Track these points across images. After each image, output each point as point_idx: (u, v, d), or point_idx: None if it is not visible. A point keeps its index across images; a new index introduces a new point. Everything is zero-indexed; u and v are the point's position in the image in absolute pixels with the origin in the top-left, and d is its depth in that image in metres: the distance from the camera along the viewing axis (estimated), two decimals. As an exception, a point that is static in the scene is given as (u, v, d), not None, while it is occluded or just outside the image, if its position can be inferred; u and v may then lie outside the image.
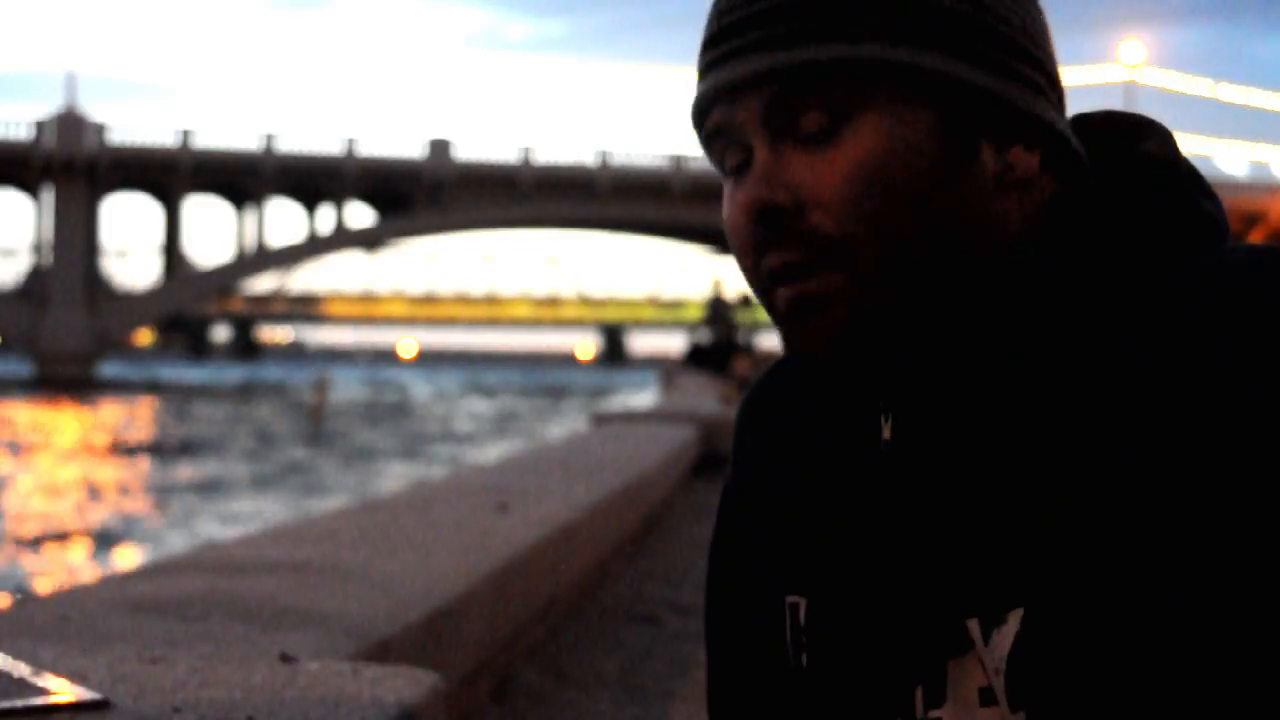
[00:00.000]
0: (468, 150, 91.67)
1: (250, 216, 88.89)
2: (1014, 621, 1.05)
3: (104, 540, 16.55)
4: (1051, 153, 1.11)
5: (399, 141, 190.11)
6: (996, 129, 1.08)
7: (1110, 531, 1.02)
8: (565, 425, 35.34)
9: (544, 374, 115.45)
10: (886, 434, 1.13)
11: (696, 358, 44.65)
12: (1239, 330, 1.02)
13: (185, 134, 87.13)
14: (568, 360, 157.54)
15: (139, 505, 20.24)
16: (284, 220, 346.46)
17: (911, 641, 1.10)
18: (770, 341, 45.72)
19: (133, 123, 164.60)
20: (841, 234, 1.06)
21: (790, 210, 1.07)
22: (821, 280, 1.07)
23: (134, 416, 43.69)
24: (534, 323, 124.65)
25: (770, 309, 1.11)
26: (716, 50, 1.11)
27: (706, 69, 1.12)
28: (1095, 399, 1.04)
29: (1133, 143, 1.14)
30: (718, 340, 47.45)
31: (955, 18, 1.07)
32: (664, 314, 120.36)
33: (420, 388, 78.77)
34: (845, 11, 1.06)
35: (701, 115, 1.14)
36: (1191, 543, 1.00)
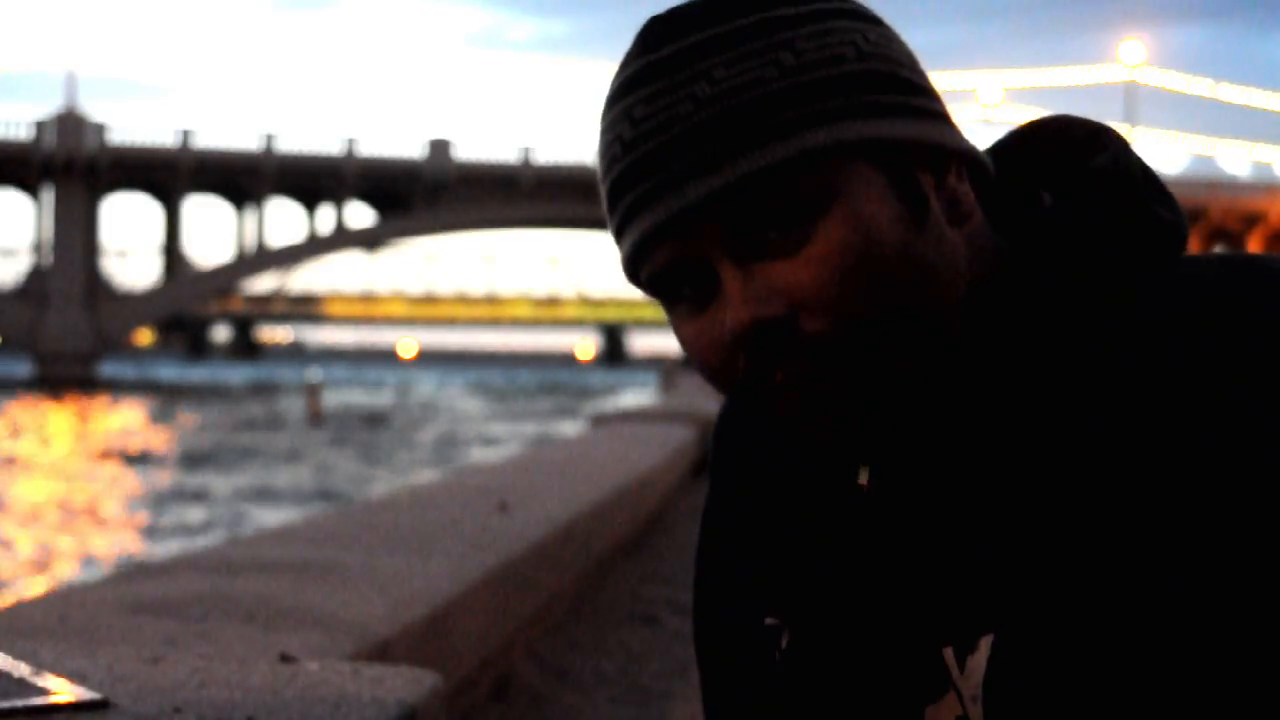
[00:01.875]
0: (468, 150, 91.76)
1: (250, 216, 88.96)
2: (985, 647, 1.05)
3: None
4: (970, 173, 1.12)
5: (399, 141, 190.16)
6: (929, 171, 1.08)
7: (1074, 550, 1.02)
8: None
9: (550, 373, 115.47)
10: (864, 480, 1.13)
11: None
12: (1199, 353, 1.02)
13: (185, 134, 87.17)
14: (568, 360, 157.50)
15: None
16: (284, 220, 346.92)
17: (889, 680, 1.10)
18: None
19: (133, 123, 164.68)
20: (838, 332, 1.03)
21: (784, 320, 1.03)
22: (832, 383, 1.05)
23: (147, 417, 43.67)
24: (534, 323, 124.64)
25: (776, 416, 1.08)
26: (644, 184, 1.05)
27: (637, 206, 1.06)
28: (1063, 428, 1.05)
29: (1085, 154, 1.14)
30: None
31: (870, 79, 1.06)
32: (663, 314, 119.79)
33: (423, 389, 78.60)
34: (774, 109, 1.03)
35: (642, 257, 1.08)
36: (1158, 559, 1.00)
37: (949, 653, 1.07)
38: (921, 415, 1.08)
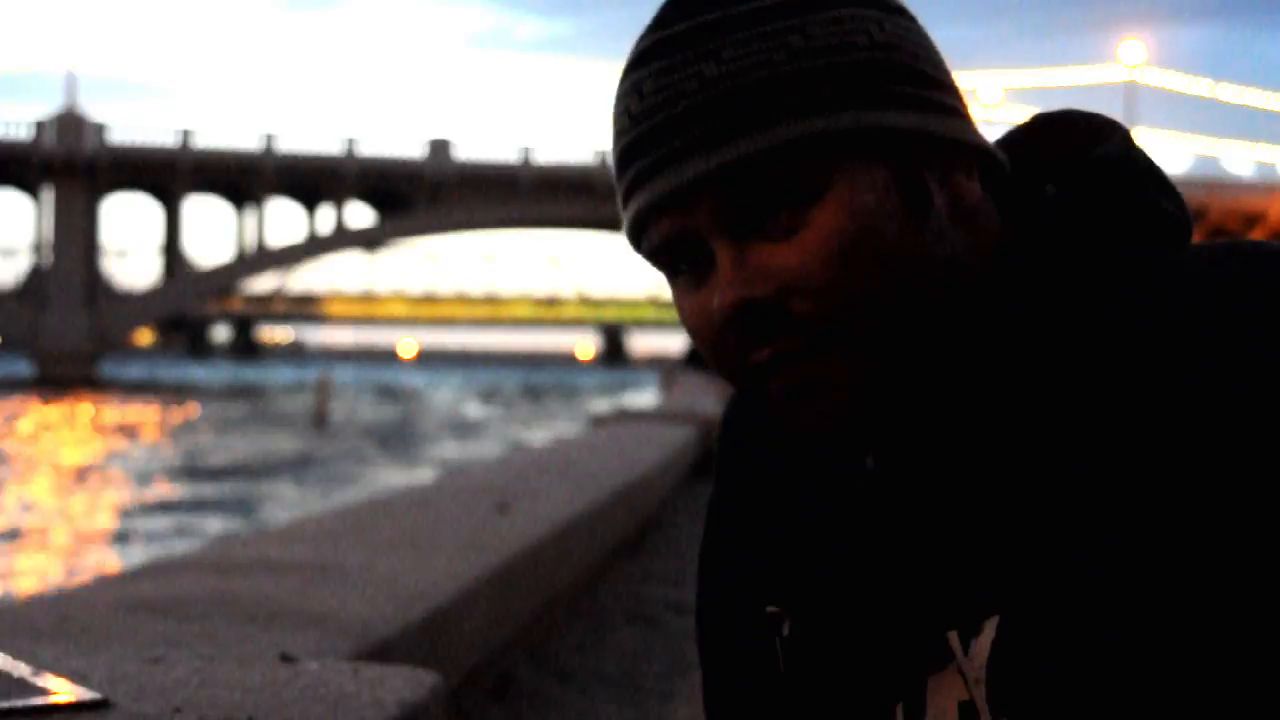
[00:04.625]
0: (468, 150, 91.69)
1: (250, 216, 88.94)
2: (990, 630, 1.06)
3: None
4: (983, 170, 1.12)
5: (399, 141, 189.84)
6: (936, 166, 1.08)
7: (1079, 535, 1.03)
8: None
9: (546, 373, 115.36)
10: (870, 464, 1.13)
11: (696, 358, 44.59)
12: (1198, 338, 1.03)
13: (185, 134, 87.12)
14: (568, 360, 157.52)
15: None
16: (284, 220, 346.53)
17: (892, 658, 1.11)
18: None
19: (133, 123, 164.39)
20: (827, 317, 1.04)
21: (772, 302, 1.04)
22: (816, 366, 1.05)
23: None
24: (534, 323, 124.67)
25: (760, 397, 1.09)
26: (647, 158, 1.07)
27: (639, 179, 1.07)
28: (1066, 412, 1.05)
29: (1090, 146, 1.14)
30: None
31: (879, 68, 1.06)
32: (664, 314, 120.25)
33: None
34: (776, 94, 1.03)
35: (643, 229, 1.10)
36: (1162, 544, 1.01)
37: (954, 636, 1.08)
38: (923, 400, 1.09)
